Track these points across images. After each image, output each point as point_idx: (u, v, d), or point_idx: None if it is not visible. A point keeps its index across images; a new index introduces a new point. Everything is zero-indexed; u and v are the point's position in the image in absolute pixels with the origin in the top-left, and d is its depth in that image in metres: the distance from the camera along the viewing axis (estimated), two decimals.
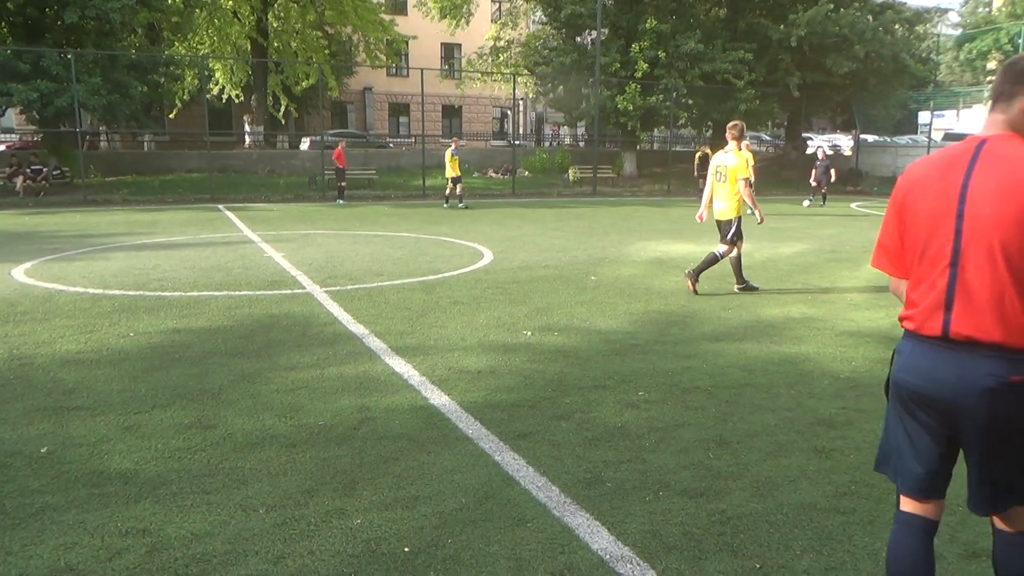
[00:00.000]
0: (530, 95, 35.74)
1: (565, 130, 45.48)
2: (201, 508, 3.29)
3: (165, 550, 2.95)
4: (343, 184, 21.22)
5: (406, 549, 2.97)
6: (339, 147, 21.16)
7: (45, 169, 21.08)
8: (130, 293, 7.92)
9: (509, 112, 45.32)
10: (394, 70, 41.69)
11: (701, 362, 5.56)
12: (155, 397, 4.67)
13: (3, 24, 21.52)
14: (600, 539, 3.05)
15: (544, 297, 7.88)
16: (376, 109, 43.67)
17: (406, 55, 40.51)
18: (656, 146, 36.72)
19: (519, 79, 29.92)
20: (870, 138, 32.72)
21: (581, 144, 40.09)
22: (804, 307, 7.56)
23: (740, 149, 8.19)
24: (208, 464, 3.74)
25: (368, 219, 16.59)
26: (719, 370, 5.37)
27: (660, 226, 15.72)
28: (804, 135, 36.37)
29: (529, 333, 6.35)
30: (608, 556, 2.93)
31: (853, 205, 22.63)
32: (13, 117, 29.86)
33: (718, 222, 8.34)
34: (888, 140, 33.19)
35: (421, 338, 6.15)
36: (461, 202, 20.01)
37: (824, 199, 21.50)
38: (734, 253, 8.27)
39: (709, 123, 30.45)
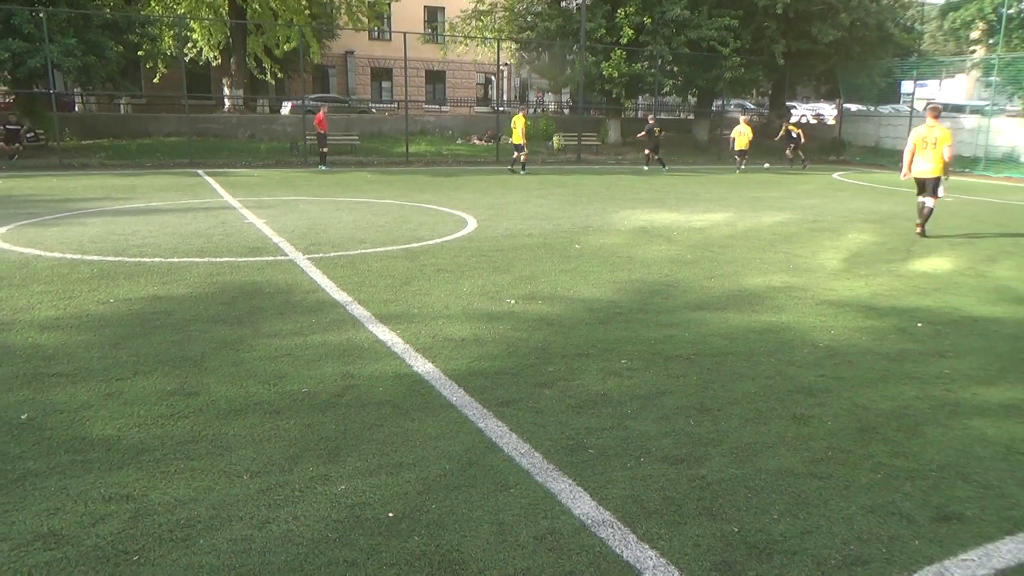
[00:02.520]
0: (514, 61, 35.32)
1: (549, 96, 45.10)
2: (185, 474, 3.30)
3: (149, 516, 2.96)
4: (325, 150, 20.97)
5: (390, 514, 3.00)
6: (320, 112, 20.86)
7: (20, 130, 20.62)
8: (109, 259, 7.82)
9: (493, 78, 44.82)
10: (376, 33, 40.97)
11: (683, 330, 5.61)
12: (137, 364, 4.65)
13: None
14: (582, 504, 3.10)
15: (528, 265, 7.88)
16: (358, 74, 43.01)
17: (389, 18, 39.81)
18: (641, 114, 36.54)
19: (503, 44, 29.53)
20: (853, 107, 32.75)
21: (566, 111, 39.81)
22: (786, 276, 7.63)
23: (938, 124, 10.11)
24: (191, 431, 3.74)
25: (351, 186, 16.43)
26: (701, 338, 5.42)
27: (644, 195, 15.71)
28: (788, 103, 36.33)
29: (513, 301, 6.36)
30: (590, 521, 2.98)
31: (835, 175, 22.73)
32: None
33: (925, 180, 10.16)
34: (871, 109, 33.25)
35: (404, 306, 6.14)
36: (524, 169, 20.59)
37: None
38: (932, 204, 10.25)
39: (694, 90, 30.29)
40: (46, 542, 2.78)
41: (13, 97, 23.46)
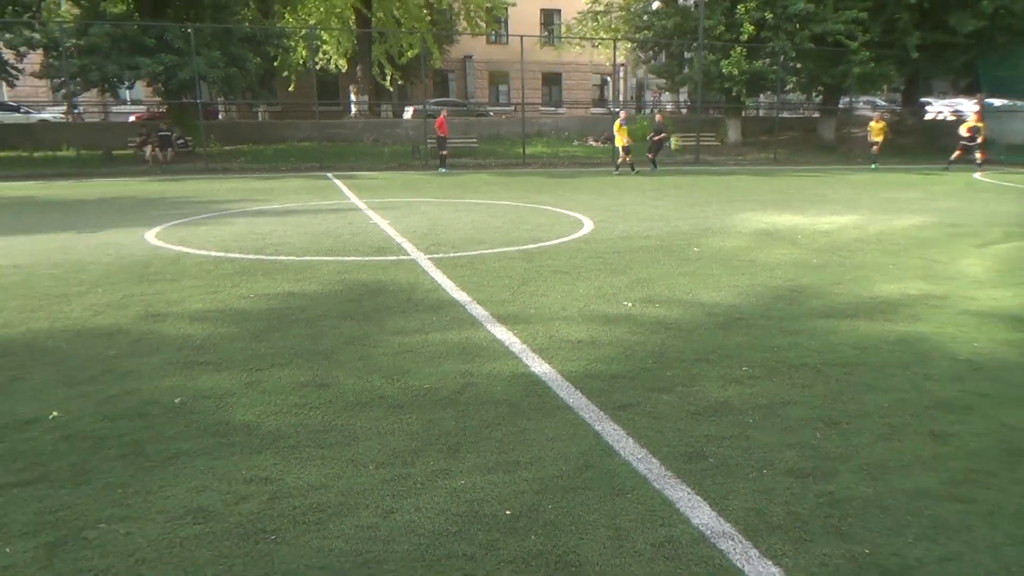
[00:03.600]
0: (630, 61, 34.95)
1: (667, 96, 44.31)
2: (316, 461, 3.49)
3: (285, 498, 3.16)
4: (444, 152, 21.52)
5: (507, 512, 3.06)
6: (441, 116, 21.44)
7: (171, 137, 22.41)
8: (249, 257, 8.38)
9: (609, 79, 44.53)
10: (494, 37, 41.67)
11: (809, 338, 5.39)
12: (274, 356, 4.96)
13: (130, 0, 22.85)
14: (701, 514, 3.05)
15: (645, 268, 7.80)
16: (476, 77, 43.87)
17: (506, 22, 40.38)
18: (762, 112, 35.26)
19: (619, 44, 29.30)
20: (997, 102, 30.19)
21: (683, 111, 38.99)
22: (922, 283, 7.17)
23: None
24: (322, 420, 3.95)
25: (469, 187, 16.79)
26: (829, 347, 5.19)
27: (766, 196, 15.16)
28: (922, 100, 34.00)
29: (630, 304, 6.32)
30: (709, 531, 2.93)
31: (976, 175, 21.08)
32: (141, 89, 31.74)
33: None
34: (1018, 104, 30.55)
35: (522, 306, 6.23)
36: (633, 169, 20.80)
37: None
38: None
39: (819, 87, 28.91)
40: (195, 517, 3.02)
41: (166, 107, 25.50)
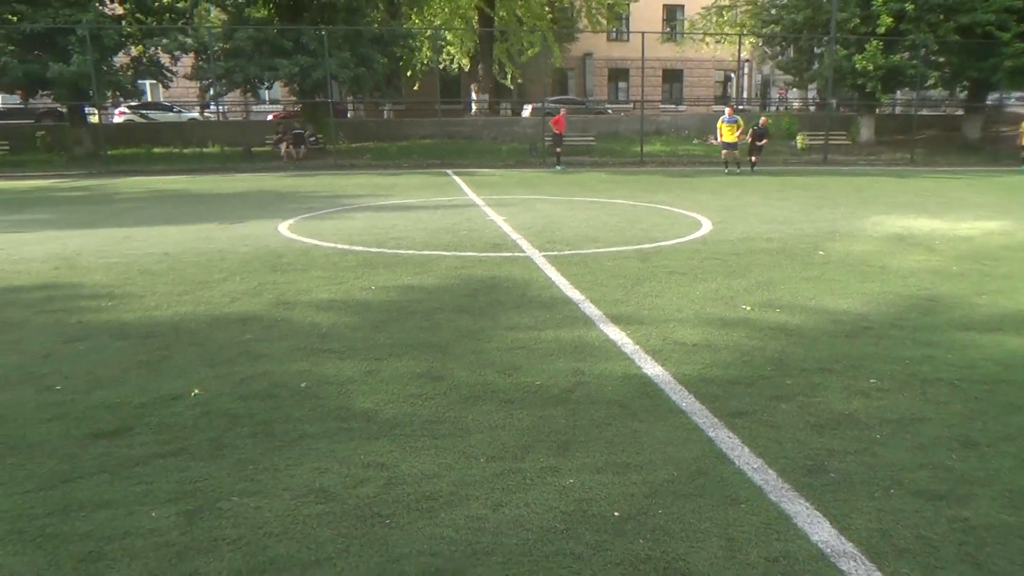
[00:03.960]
0: (755, 57, 33.71)
1: (794, 93, 42.44)
2: (430, 451, 3.60)
3: (400, 485, 3.28)
4: (559, 150, 21.55)
5: (616, 513, 3.04)
6: (559, 113, 21.48)
7: (304, 134, 23.66)
8: (372, 250, 8.73)
9: (733, 75, 43.14)
10: (614, 35, 41.27)
11: (946, 351, 5.03)
12: (392, 346, 5.15)
13: (270, 4, 24.23)
14: (820, 531, 2.92)
15: (766, 271, 7.52)
16: (596, 75, 43.63)
17: (627, 19, 39.91)
18: (898, 110, 33.11)
19: (745, 40, 28.31)
20: None
21: (811, 108, 37.22)
22: None
23: None
24: (436, 411, 4.07)
25: (585, 185, 16.74)
26: (968, 362, 4.82)
27: (900, 199, 14.25)
28: None
29: (748, 308, 6.12)
30: (829, 550, 2.80)
31: None
32: (279, 89, 33.64)
33: None
34: None
35: (635, 307, 6.16)
36: (740, 168, 20.41)
37: None
38: None
39: (964, 83, 26.79)
40: (317, 496, 3.18)
41: (300, 106, 26.92)
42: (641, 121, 25.04)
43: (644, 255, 8.41)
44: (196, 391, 4.35)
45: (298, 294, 6.63)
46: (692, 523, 2.97)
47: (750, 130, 20.69)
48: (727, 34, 28.96)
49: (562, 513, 3.05)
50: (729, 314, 5.95)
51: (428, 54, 30.17)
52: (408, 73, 31.47)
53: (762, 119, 21.52)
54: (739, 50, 26.56)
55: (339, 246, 8.99)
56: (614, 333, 5.43)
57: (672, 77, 43.96)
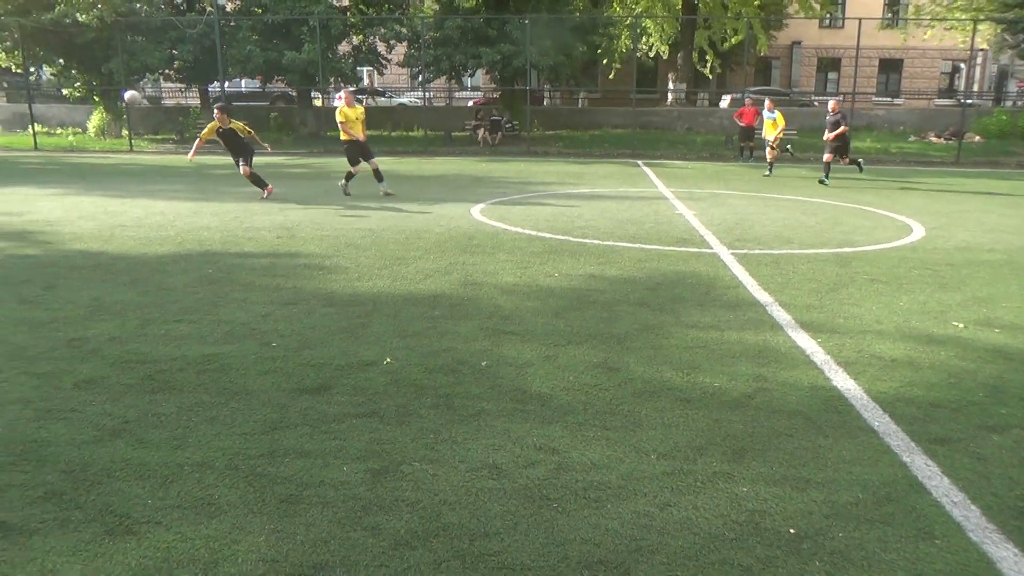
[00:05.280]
0: (991, 45, 29.95)
1: None
2: (601, 441, 3.63)
3: (568, 471, 3.34)
4: (748, 144, 20.49)
5: (791, 530, 2.90)
6: (745, 105, 20.43)
7: (501, 121, 24.44)
8: (557, 237, 8.88)
9: (962, 65, 38.71)
10: (827, 21, 38.49)
11: None
12: (571, 333, 5.23)
13: None
14: None
15: (985, 286, 6.74)
16: (803, 64, 41.00)
17: (843, 4, 37.04)
18: None
19: (980, 26, 25.25)
20: None
21: None
22: None
23: None
24: (610, 403, 4.08)
25: (782, 182, 15.87)
26: None
27: None
28: None
29: (961, 325, 5.53)
30: None
31: None
32: (480, 77, 34.94)
33: None
34: None
35: (830, 314, 5.78)
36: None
37: None
38: None
39: None
40: (490, 472, 3.33)
41: (499, 93, 27.80)
42: (850, 114, 23.22)
43: (843, 259, 7.84)
44: (388, 359, 4.68)
45: (485, 276, 6.90)
46: (876, 552, 2.77)
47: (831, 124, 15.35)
48: (959, 19, 26.00)
49: (732, 522, 2.96)
50: (938, 330, 5.41)
51: (627, 42, 29.90)
52: (605, 61, 31.39)
53: (832, 104, 15.68)
54: (972, 38, 23.74)
55: (526, 231, 9.23)
56: (803, 340, 5.14)
57: (889, 67, 40.29)
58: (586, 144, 23.93)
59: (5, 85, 34.19)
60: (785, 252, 8.19)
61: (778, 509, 3.05)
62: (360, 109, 12.62)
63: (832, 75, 41.34)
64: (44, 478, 3.23)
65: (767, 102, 18.11)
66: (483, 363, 4.64)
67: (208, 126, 12.07)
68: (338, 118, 12.32)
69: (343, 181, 12.61)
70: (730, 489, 3.20)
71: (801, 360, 4.77)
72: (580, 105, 36.34)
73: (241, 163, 12.15)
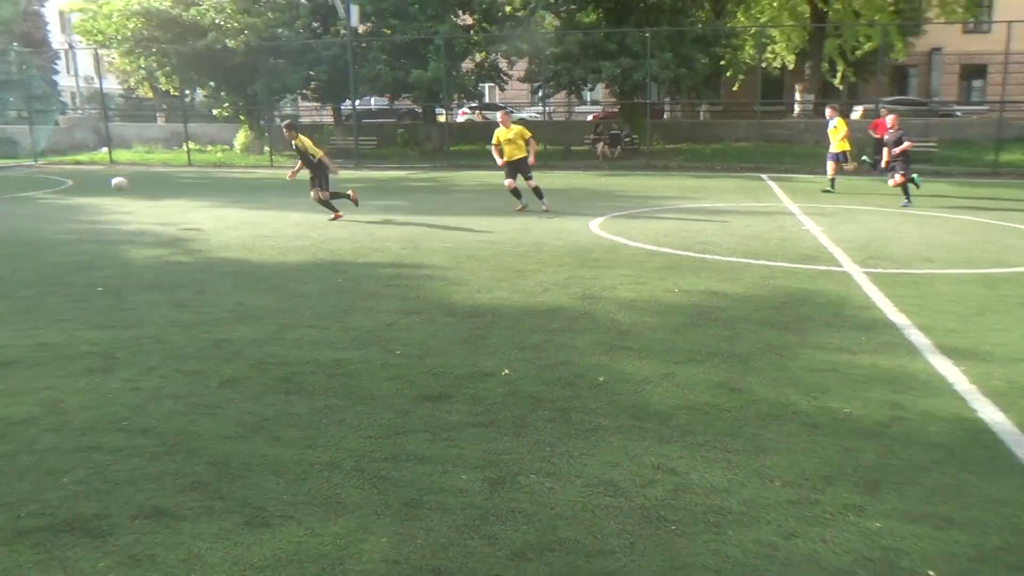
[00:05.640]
0: None
1: None
2: (722, 464, 3.53)
3: (688, 493, 3.27)
4: (878, 157, 19.25)
5: (930, 573, 2.71)
6: (882, 117, 19.24)
7: (620, 135, 24.34)
8: (677, 252, 8.73)
9: None
10: (971, 25, 35.83)
11: None
12: (691, 351, 5.12)
13: (599, 9, 25.20)
14: None
15: None
16: (943, 72, 38.34)
17: (989, 7, 34.40)
18: None
19: None
20: None
21: None
22: None
23: None
24: (732, 425, 3.96)
25: (921, 197, 14.88)
26: None
27: None
28: None
29: None
30: None
31: None
32: (600, 91, 34.93)
33: None
34: None
35: (975, 340, 5.37)
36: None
37: None
38: None
39: None
40: (607, 488, 3.30)
41: (619, 107, 27.70)
42: (999, 125, 21.50)
43: (991, 281, 7.27)
44: (506, 371, 4.76)
45: (603, 290, 6.88)
46: None
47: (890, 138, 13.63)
48: None
49: (864, 559, 2.80)
50: None
51: (751, 53, 29.04)
52: (729, 73, 30.63)
53: (890, 117, 13.89)
54: None
55: (646, 246, 9.13)
56: (945, 367, 4.80)
57: None
58: (707, 158, 23.41)
59: (164, 107, 37.48)
60: (924, 272, 7.68)
61: (916, 548, 2.85)
62: (510, 130, 12.27)
63: (977, 83, 38.43)
64: (192, 468, 3.50)
65: (828, 110, 16.52)
66: (600, 378, 4.63)
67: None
68: (493, 140, 12.37)
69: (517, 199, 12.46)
70: (862, 523, 3.03)
71: (942, 388, 4.45)
72: (701, 118, 35.57)
73: (311, 186, 11.58)
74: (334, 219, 11.63)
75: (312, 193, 11.63)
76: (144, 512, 3.11)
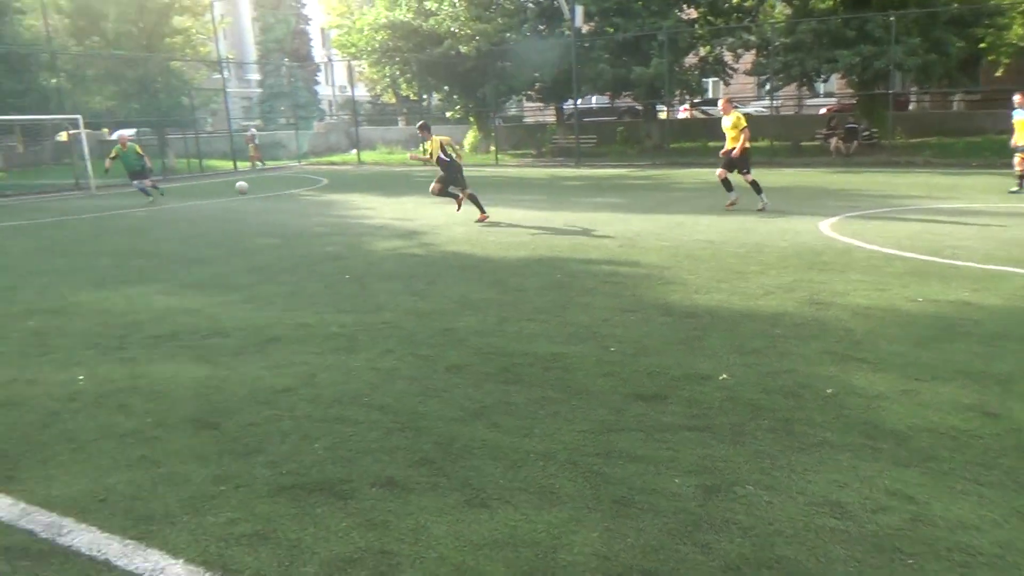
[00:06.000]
0: None
1: None
2: (972, 497, 3.14)
3: (928, 525, 2.95)
4: None
5: None
6: None
7: (858, 129, 22.45)
8: (922, 257, 7.89)
9: None
10: None
11: None
12: (935, 368, 4.61)
13: None
14: None
15: None
16: None
17: None
18: None
19: None
20: None
21: None
22: None
23: None
24: (985, 453, 3.52)
25: None
26: None
27: None
28: None
29: None
30: None
31: None
32: (834, 81, 32.44)
33: None
34: None
35: None
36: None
37: None
38: None
39: None
40: (832, 510, 3.08)
41: (855, 99, 25.55)
42: None
43: None
44: (724, 375, 4.60)
45: (833, 295, 6.40)
46: None
47: None
48: None
49: None
50: None
51: (1020, 32, 25.30)
52: (990, 57, 26.94)
53: (1017, 97, 12.53)
54: None
55: (884, 250, 8.34)
56: None
57: None
58: (960, 153, 20.85)
59: (405, 111, 40.81)
60: None
61: None
62: (730, 118, 11.71)
63: None
64: (421, 445, 3.79)
65: (1017, 97, 13.10)
66: (828, 390, 4.32)
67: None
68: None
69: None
70: None
71: None
72: (955, 108, 31.68)
73: (435, 182, 11.71)
74: (458, 210, 11.99)
75: (430, 187, 11.92)
76: (380, 481, 3.42)
